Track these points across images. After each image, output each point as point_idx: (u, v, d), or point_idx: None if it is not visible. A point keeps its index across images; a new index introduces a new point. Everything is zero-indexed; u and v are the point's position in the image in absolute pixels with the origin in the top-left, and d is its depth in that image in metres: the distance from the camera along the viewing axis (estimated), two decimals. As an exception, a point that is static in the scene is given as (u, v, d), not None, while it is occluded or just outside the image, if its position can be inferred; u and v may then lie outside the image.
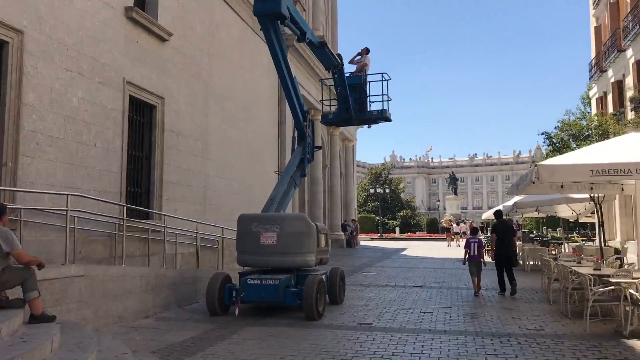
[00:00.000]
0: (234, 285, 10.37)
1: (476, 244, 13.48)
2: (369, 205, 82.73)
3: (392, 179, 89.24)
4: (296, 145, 13.07)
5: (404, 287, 14.69)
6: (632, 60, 25.58)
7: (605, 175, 9.07)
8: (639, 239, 10.26)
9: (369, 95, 15.38)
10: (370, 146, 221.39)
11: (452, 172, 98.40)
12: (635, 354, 7.06)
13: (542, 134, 30.57)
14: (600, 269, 10.28)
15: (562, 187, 13.27)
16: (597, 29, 31.48)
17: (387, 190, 71.38)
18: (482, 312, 10.62)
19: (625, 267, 11.40)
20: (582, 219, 31.29)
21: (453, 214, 78.91)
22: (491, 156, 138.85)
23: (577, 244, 24.20)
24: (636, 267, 10.45)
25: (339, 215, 35.97)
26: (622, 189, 13.20)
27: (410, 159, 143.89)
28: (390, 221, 77.35)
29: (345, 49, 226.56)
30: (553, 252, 21.79)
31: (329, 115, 16.24)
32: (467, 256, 13.51)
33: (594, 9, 32.11)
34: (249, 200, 19.56)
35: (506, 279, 13.54)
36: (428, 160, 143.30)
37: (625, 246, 20.96)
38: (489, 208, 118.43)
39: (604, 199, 17.05)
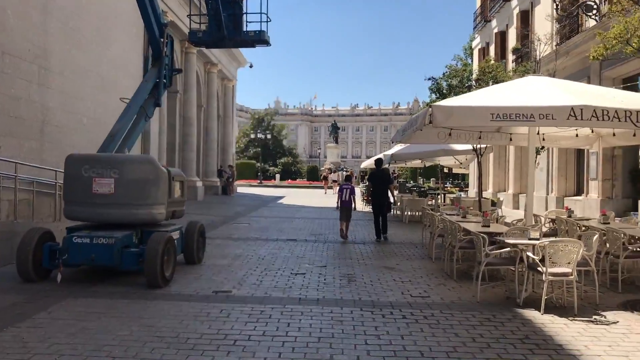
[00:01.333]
0: (56, 244, 8.16)
1: (348, 190, 13.70)
2: (250, 151, 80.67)
3: (275, 125, 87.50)
4: (150, 67, 10.83)
5: (277, 241, 13.17)
6: (516, 11, 25.39)
7: (506, 120, 7.88)
8: (528, 194, 9.34)
9: (246, 13, 13.41)
10: (254, 91, 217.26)
11: (334, 121, 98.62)
12: (535, 329, 6.01)
13: (429, 79, 29.99)
14: (489, 226, 9.32)
15: (449, 135, 12.27)
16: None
17: (269, 136, 69.43)
18: (360, 272, 9.33)
19: (514, 224, 10.59)
20: (456, 171, 31.71)
21: (333, 162, 79.24)
22: (372, 107, 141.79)
23: (454, 195, 24.11)
24: (526, 224, 9.64)
25: (214, 160, 33.72)
26: (511, 139, 12.40)
27: (295, 106, 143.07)
28: (271, 168, 76.03)
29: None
30: (430, 202, 21.39)
31: (199, 34, 14.01)
32: (339, 201, 13.72)
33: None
34: (103, 139, 16.96)
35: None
36: (312, 108, 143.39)
37: (501, 199, 20.95)
38: (367, 157, 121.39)
39: (486, 150, 16.52)
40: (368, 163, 30.65)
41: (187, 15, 16.17)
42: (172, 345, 5.21)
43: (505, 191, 26.98)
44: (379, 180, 13.88)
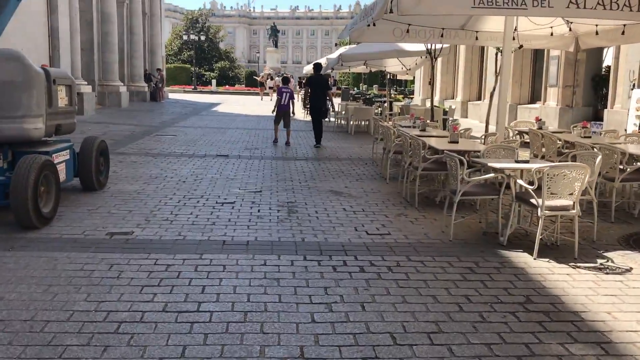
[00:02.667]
0: None
1: (288, 94, 13.54)
2: (184, 54, 75.74)
3: (211, 27, 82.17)
4: None
5: (205, 158, 11.25)
6: None
7: (491, 8, 6.08)
8: (500, 103, 7.78)
9: None
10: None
11: (274, 24, 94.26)
12: (535, 284, 4.54)
13: None
14: (457, 142, 7.73)
15: (407, 31, 10.40)
16: None
17: (203, 38, 65.04)
18: (303, 198, 7.66)
19: (484, 139, 9.02)
20: (400, 77, 29.85)
21: (273, 67, 75.87)
22: (313, 10, 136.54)
23: (402, 103, 22.54)
24: (498, 140, 8.11)
25: (141, 63, 30.54)
26: (477, 37, 10.64)
27: (232, 7, 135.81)
28: (207, 73, 71.98)
29: None
30: (377, 110, 19.75)
31: None
32: (277, 105, 13.60)
33: None
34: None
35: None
36: (250, 10, 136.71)
37: (453, 107, 19.48)
38: (308, 63, 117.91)
39: (441, 52, 14.80)
40: (309, 69, 28.44)
41: None
42: (20, 334, 3.40)
43: (453, 98, 25.62)
44: (316, 86, 13.64)
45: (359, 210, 7.08)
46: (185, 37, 65.23)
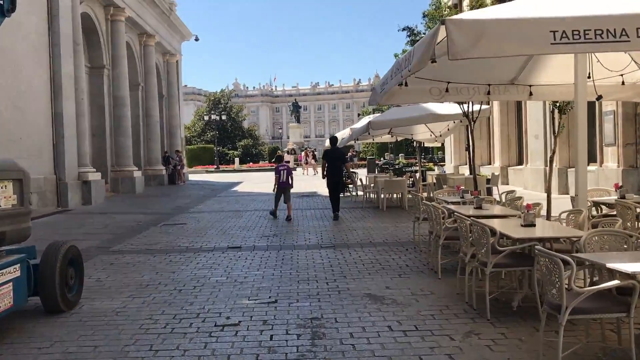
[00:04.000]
0: None
1: (285, 171, 13.62)
2: (207, 135, 75.87)
3: (233, 107, 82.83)
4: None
5: (213, 252, 9.44)
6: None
7: (580, 43, 4.34)
8: (578, 168, 5.90)
9: None
10: (212, 74, 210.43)
11: (295, 100, 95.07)
12: None
13: (404, 29, 26.01)
14: (534, 224, 5.80)
15: (447, 90, 8.76)
16: None
17: (224, 117, 65.05)
18: (332, 310, 5.72)
19: (560, 217, 7.00)
20: (428, 144, 28.15)
21: (296, 142, 75.63)
22: (333, 85, 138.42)
23: (436, 172, 20.71)
24: (578, 218, 6.17)
25: (158, 146, 29.54)
26: (531, 93, 8.90)
27: (254, 87, 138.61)
28: (230, 152, 71.63)
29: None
30: (409, 180, 17.91)
31: None
32: (276, 183, 13.66)
33: None
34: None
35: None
36: (272, 89, 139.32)
37: (496, 174, 17.54)
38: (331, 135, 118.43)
39: (480, 115, 13.12)
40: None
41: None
42: None
43: (490, 164, 23.73)
44: (333, 159, 13.69)
45: (411, 328, 5.10)
46: (207, 118, 65.18)
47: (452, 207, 8.05)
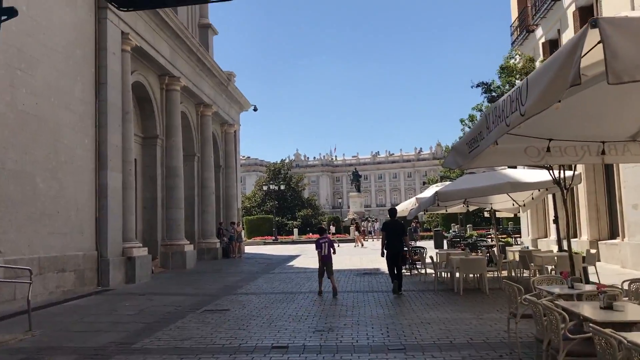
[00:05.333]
0: None
1: (326, 244, 13.40)
2: (267, 205, 75.25)
3: (293, 176, 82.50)
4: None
5: (252, 356, 7.53)
6: (572, 8, 20.10)
7: None
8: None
9: None
10: (273, 145, 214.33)
11: (355, 169, 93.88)
12: None
13: (479, 85, 24.15)
14: None
15: (548, 150, 6.89)
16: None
17: (283, 187, 64.30)
18: None
19: None
20: (503, 214, 25.64)
21: (357, 211, 73.81)
22: (393, 154, 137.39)
23: (518, 248, 18.25)
24: None
25: (213, 218, 28.35)
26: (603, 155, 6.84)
27: (315, 157, 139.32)
28: (290, 222, 70.40)
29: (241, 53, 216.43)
30: (485, 254, 15.59)
31: None
32: (319, 257, 13.44)
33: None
34: (24, 197, 12.04)
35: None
36: (332, 159, 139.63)
37: (592, 251, 15.00)
38: (392, 205, 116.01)
39: (573, 182, 11.05)
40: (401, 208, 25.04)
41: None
42: None
43: (576, 237, 20.99)
44: (392, 231, 13.46)
45: None
46: (266, 188, 64.66)
47: (567, 305, 5.90)
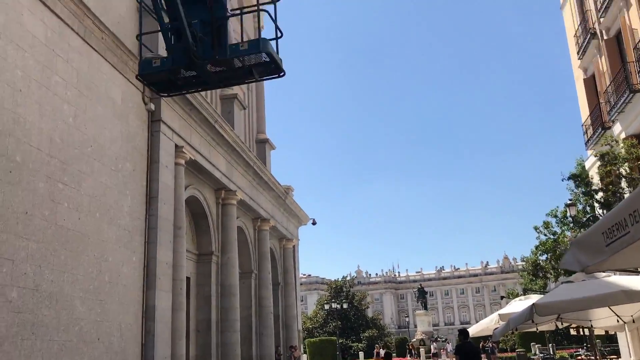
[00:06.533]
0: None
1: None
2: (329, 326, 71.98)
3: (355, 294, 79.45)
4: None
5: None
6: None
7: None
8: None
9: (232, 15, 7.48)
10: (334, 262, 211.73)
11: (420, 285, 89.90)
12: None
13: (570, 177, 22.19)
14: None
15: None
16: (588, 81, 24.80)
17: (345, 306, 61.46)
18: None
19: None
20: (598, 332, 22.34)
21: (424, 331, 69.28)
22: (459, 268, 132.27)
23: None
24: None
25: (272, 341, 26.29)
26: None
27: (377, 273, 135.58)
28: (354, 344, 66.58)
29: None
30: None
31: (154, 63, 7.96)
32: None
33: (579, 59, 25.59)
34: (60, 323, 10.80)
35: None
36: (395, 275, 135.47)
37: None
38: (461, 323, 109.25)
39: None
40: (473, 330, 22.32)
41: (137, 37, 9.08)
42: None
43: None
44: (465, 355, 12.95)
45: None
46: (327, 307, 61.95)
47: None
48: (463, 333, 13.65)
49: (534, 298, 17.20)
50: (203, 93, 18.06)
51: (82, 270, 12.28)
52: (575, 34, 25.89)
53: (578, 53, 25.54)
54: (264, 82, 29.99)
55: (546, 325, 16.65)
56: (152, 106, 15.91)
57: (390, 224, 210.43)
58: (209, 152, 19.55)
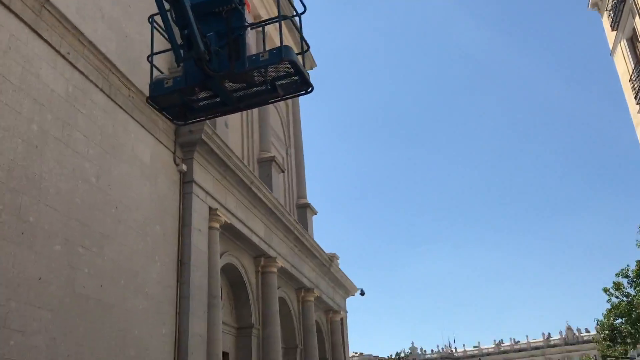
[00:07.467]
0: None
1: None
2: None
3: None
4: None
5: None
6: None
7: None
8: None
9: (251, 25, 6.57)
10: (386, 339, 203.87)
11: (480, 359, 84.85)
12: None
13: None
14: None
15: None
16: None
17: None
18: None
19: None
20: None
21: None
22: (519, 341, 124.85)
23: None
24: None
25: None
26: None
27: (432, 350, 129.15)
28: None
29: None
30: None
31: (166, 84, 6.99)
32: None
33: (637, 104, 23.97)
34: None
35: None
36: (452, 350, 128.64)
37: None
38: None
39: None
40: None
41: (148, 59, 8.02)
42: None
43: None
44: None
45: None
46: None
47: None
48: None
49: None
50: (239, 154, 17.28)
51: (104, 343, 11.06)
52: (630, 78, 24.42)
53: (636, 98, 23.95)
54: (303, 145, 29.32)
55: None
56: (184, 167, 15.12)
57: (445, 295, 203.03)
58: (245, 216, 18.49)
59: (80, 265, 10.72)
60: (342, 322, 30.76)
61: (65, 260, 10.36)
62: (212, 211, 16.14)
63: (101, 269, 11.31)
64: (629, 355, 29.58)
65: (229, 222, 17.12)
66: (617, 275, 30.07)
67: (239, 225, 17.93)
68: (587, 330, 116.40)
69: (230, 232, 17.98)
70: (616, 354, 31.59)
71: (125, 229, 12.36)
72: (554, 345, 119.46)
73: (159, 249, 13.57)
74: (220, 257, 17.08)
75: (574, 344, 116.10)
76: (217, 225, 16.48)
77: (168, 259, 13.90)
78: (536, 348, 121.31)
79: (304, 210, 27.97)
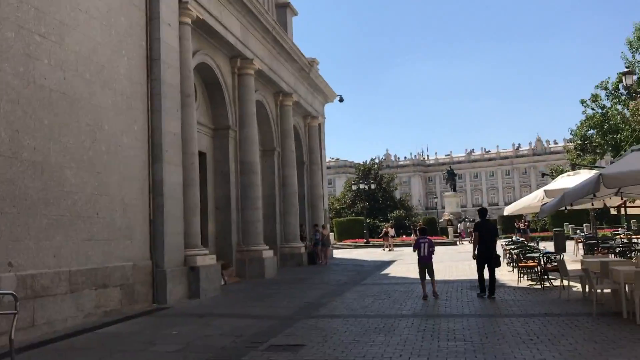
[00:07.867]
0: None
1: (426, 244, 12.98)
2: (357, 206, 71.87)
3: (383, 176, 78.63)
4: None
5: None
6: None
7: None
8: None
9: None
10: (362, 146, 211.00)
11: (450, 167, 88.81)
12: None
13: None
14: None
15: None
16: None
17: (373, 186, 60.70)
18: None
19: None
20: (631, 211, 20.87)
21: (453, 212, 69.20)
22: (489, 151, 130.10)
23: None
24: None
25: (296, 220, 25.34)
26: None
27: (405, 157, 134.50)
28: (382, 224, 66.61)
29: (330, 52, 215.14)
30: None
31: None
32: (418, 258, 13.01)
33: None
34: (48, 195, 9.40)
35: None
36: (424, 158, 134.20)
37: None
38: (490, 205, 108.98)
39: None
40: (510, 209, 20.89)
41: None
42: None
43: None
44: (484, 231, 12.88)
45: None
46: (355, 188, 61.29)
47: None
48: (482, 211, 13.71)
49: (584, 173, 15.42)
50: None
51: (72, 138, 10.74)
52: None
53: None
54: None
55: (599, 202, 14.99)
56: (148, -49, 13.56)
57: (421, 106, 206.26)
58: (219, 13, 17.27)
59: (38, 55, 9.95)
60: (320, 128, 31.01)
61: (20, 49, 9.56)
62: (182, 4, 14.93)
63: (63, 60, 10.56)
64: (596, 164, 30.80)
65: (201, 17, 15.98)
66: (596, 87, 29.97)
67: (212, 22, 16.81)
68: (555, 142, 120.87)
69: (203, 29, 16.92)
70: (585, 162, 32.99)
71: (88, 19, 11.36)
72: (523, 156, 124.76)
73: (126, 43, 12.68)
74: (194, 56, 16.27)
75: (541, 155, 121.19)
76: (189, 21, 15.39)
77: (136, 54, 13.08)
78: (505, 158, 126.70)
79: (284, 9, 26.44)
